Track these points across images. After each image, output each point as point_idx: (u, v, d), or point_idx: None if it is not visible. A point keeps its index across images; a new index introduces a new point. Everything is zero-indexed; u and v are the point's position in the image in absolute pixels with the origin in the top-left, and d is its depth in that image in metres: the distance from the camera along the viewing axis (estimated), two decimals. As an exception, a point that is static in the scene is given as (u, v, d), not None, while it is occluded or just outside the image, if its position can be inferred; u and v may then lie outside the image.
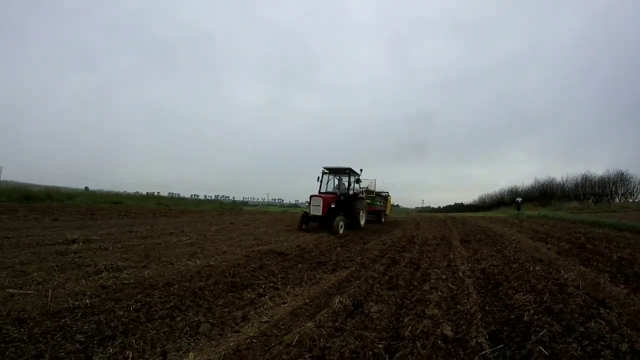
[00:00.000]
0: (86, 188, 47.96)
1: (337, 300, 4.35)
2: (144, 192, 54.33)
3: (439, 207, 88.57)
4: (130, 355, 2.95)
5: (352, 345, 3.09)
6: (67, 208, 18.19)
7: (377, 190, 22.50)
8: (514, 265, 6.80)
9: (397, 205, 59.15)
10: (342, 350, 3.00)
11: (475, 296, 4.68)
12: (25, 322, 3.49)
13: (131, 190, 57.77)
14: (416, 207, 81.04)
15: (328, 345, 3.17)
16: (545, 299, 4.45)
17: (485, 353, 3.00)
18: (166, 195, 58.93)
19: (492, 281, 5.76)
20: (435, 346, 3.08)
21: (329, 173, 16.76)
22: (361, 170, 16.94)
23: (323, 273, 6.44)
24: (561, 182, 51.58)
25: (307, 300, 4.74)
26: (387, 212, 24.02)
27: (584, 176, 49.35)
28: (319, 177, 16.48)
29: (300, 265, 7.02)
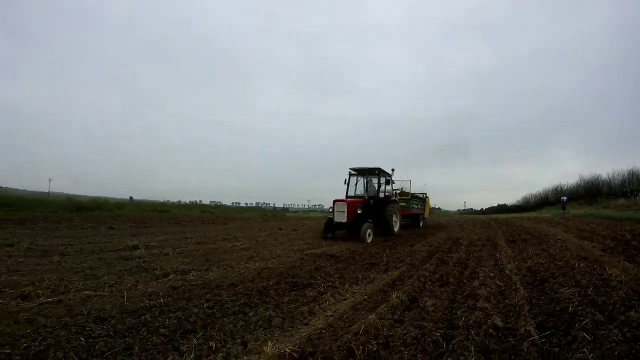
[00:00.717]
0: (131, 198, 50.15)
1: (394, 295, 4.80)
2: (186, 201, 56.04)
3: (482, 208, 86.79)
4: (214, 345, 3.41)
5: (413, 334, 3.52)
6: (118, 217, 19.24)
7: (413, 191, 20.52)
8: (559, 263, 7.02)
9: (439, 208, 58.13)
10: (404, 338, 3.44)
11: (522, 291, 5.00)
12: (106, 320, 3.91)
13: (173, 199, 59.94)
14: (458, 210, 79.80)
15: (390, 333, 3.61)
16: (589, 292, 4.74)
17: (534, 339, 3.36)
18: (208, 203, 60.76)
19: (538, 278, 6.03)
20: (487, 334, 3.47)
21: (356, 174, 15.27)
22: (393, 170, 15.31)
23: (376, 273, 6.87)
24: (607, 178, 49.45)
25: (366, 297, 5.18)
26: (426, 215, 21.89)
27: (631, 172, 47.17)
28: (345, 180, 15.07)
29: (353, 266, 7.47)
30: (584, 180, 52.74)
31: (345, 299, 5.13)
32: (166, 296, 4.87)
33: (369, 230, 12.32)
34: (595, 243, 9.83)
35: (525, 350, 3.12)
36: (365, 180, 15.49)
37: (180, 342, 3.46)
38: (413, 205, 19.39)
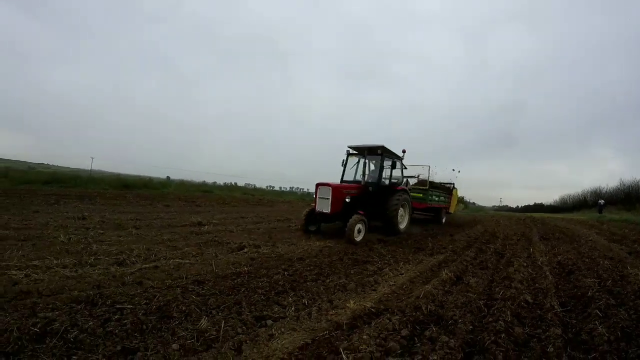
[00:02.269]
0: (168, 177, 52.45)
1: (443, 272, 5.86)
2: (222, 183, 57.61)
3: (517, 206, 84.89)
4: (306, 302, 4.43)
5: (461, 300, 4.55)
6: (167, 196, 20.62)
7: (436, 180, 17.16)
8: (586, 260, 7.83)
9: (473, 203, 57.28)
10: (455, 302, 4.46)
11: (550, 278, 5.94)
12: (204, 283, 4.67)
13: (208, 179, 61.79)
14: (493, 206, 78.61)
15: (443, 299, 4.64)
16: (607, 283, 5.61)
17: (556, 311, 4.32)
18: (243, 185, 62.43)
19: (566, 270, 6.90)
20: (519, 305, 4.46)
21: (356, 154, 11.85)
22: (404, 152, 11.93)
23: (423, 256, 7.90)
24: (647, 184, 47.89)
25: (418, 273, 6.22)
26: (451, 209, 18.53)
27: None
28: (343, 161, 11.68)
29: (401, 249, 8.51)
30: (624, 185, 51.37)
31: (402, 274, 6.17)
32: (248, 265, 5.80)
33: (358, 226, 9.09)
34: (623, 246, 10.45)
35: (549, 318, 4.08)
36: (365, 163, 12.12)
37: (278, 299, 4.37)
38: (432, 197, 15.60)
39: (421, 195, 15.10)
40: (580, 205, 59.68)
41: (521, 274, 6.05)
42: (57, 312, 3.47)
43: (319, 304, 4.41)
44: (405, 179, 13.21)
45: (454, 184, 18.92)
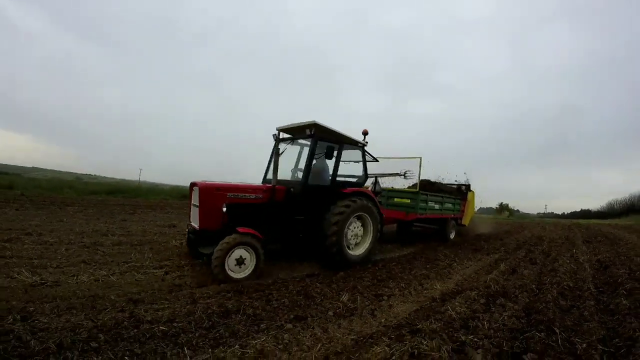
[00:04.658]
0: None
1: (501, 266, 7.44)
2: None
3: (563, 213, 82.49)
4: (403, 285, 6.01)
5: (518, 284, 6.08)
6: None
7: (433, 180, 13.13)
8: (622, 257, 9.09)
9: (517, 211, 56.99)
10: (514, 285, 6.01)
11: (589, 271, 7.37)
12: (318, 275, 6.71)
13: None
14: (538, 213, 77.20)
15: (504, 283, 6.19)
16: (636, 274, 6.98)
17: (592, 291, 5.81)
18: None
19: (603, 265, 8.21)
20: (563, 288, 5.95)
21: (291, 139, 7.75)
22: (365, 133, 7.73)
23: (481, 255, 9.43)
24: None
25: (480, 267, 7.76)
26: (465, 221, 13.54)
27: None
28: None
29: (460, 251, 10.05)
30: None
31: (467, 267, 7.72)
32: (349, 270, 6.93)
33: (238, 253, 5.49)
34: (660, 247, 11.63)
35: (586, 296, 5.55)
36: (299, 151, 8.09)
37: (382, 285, 5.84)
38: (427, 204, 10.96)
39: (408, 201, 10.73)
40: (627, 210, 58.08)
41: (564, 268, 7.48)
42: (213, 299, 4.58)
43: (413, 287, 5.96)
44: (375, 179, 9.47)
45: (469, 185, 14.04)
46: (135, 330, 3.51)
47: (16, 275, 5.06)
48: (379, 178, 10.22)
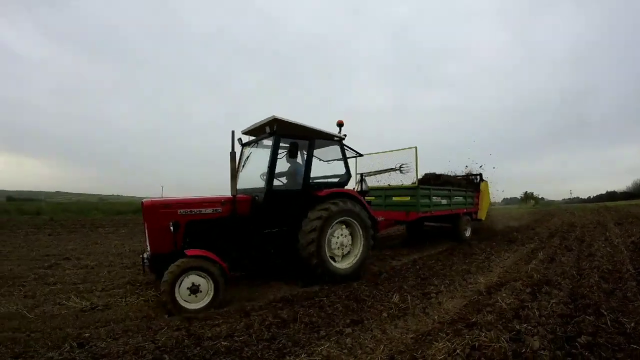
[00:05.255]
0: None
1: (539, 255, 7.65)
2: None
3: (589, 197, 79.82)
4: (448, 282, 6.20)
5: (559, 271, 6.30)
6: None
7: (446, 172, 12.54)
8: (657, 237, 9.28)
9: (542, 198, 55.30)
10: (555, 272, 6.23)
11: (625, 253, 7.52)
12: (380, 275, 6.99)
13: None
14: (563, 199, 75.38)
15: (545, 272, 6.41)
16: (672, 252, 7.17)
17: (631, 273, 6.00)
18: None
19: (638, 246, 8.42)
20: (603, 271, 6.15)
21: (253, 143, 6.85)
22: (340, 125, 6.84)
23: (517, 246, 9.63)
24: None
25: (519, 258, 7.97)
26: (481, 215, 12.28)
27: None
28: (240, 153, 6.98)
29: (495, 243, 10.25)
30: None
31: (506, 259, 7.95)
32: (390, 270, 7.19)
33: (189, 280, 4.66)
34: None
35: (627, 278, 5.74)
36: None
37: (427, 283, 6.02)
38: (432, 200, 9.83)
39: (408, 198, 9.49)
40: (656, 188, 56.66)
41: (601, 252, 7.66)
42: (265, 310, 4.68)
43: (457, 282, 6.19)
44: (360, 177, 8.22)
45: (480, 174, 12.63)
46: (198, 348, 3.55)
47: (65, 302, 5.16)
48: (365, 176, 8.97)
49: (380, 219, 8.65)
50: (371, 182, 10.22)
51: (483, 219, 12.49)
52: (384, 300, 5.11)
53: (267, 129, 6.06)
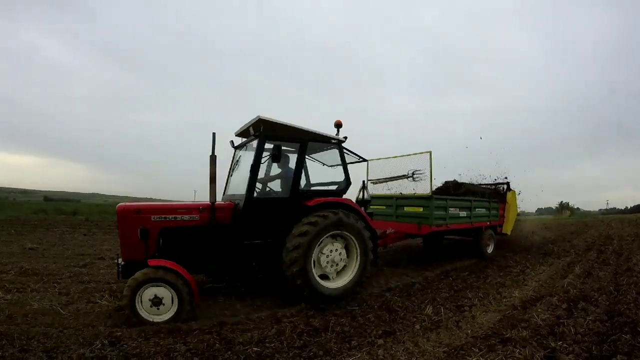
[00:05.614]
0: None
1: (576, 268, 7.56)
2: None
3: (626, 207, 76.71)
4: (482, 295, 6.20)
5: (596, 287, 6.22)
6: None
7: (462, 180, 11.21)
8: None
9: (578, 209, 53.76)
10: (592, 288, 6.17)
11: (666, 267, 7.38)
12: (413, 285, 7.02)
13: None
14: (599, 210, 72.55)
15: (582, 287, 6.34)
16: None
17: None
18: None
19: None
20: (640, 288, 6.10)
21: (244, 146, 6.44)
22: (339, 126, 6.18)
23: (552, 259, 9.49)
24: None
25: (554, 271, 7.87)
26: (507, 229, 10.98)
27: None
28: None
29: (529, 255, 10.13)
30: None
31: (542, 272, 7.88)
32: (423, 281, 7.21)
33: (151, 292, 4.38)
34: None
35: (667, 294, 5.70)
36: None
37: (461, 295, 6.03)
38: (448, 213, 8.80)
39: (421, 209, 8.46)
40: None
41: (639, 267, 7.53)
42: (297, 317, 4.73)
43: (490, 296, 6.17)
44: (362, 185, 7.39)
45: (508, 183, 11.30)
46: (229, 352, 3.57)
47: (98, 300, 5.22)
48: (375, 183, 9.12)
49: (389, 231, 8.58)
50: (382, 189, 9.64)
51: (509, 233, 11.14)
52: (417, 312, 5.11)
53: (251, 131, 5.60)
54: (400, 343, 4.05)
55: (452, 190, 10.19)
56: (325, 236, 5.52)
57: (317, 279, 5.47)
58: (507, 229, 10.91)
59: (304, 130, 5.71)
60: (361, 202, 6.94)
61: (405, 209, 8.96)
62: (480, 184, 11.54)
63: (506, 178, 11.45)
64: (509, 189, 11.12)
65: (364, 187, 7.28)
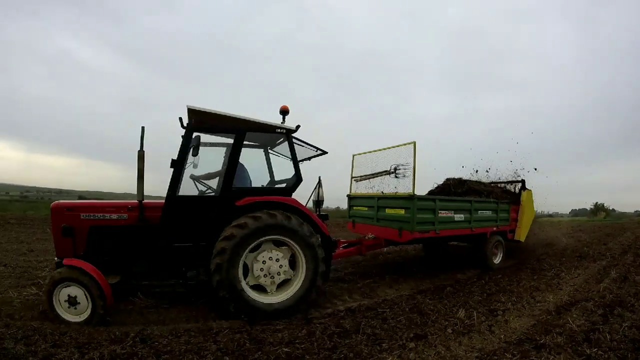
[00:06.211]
0: None
1: (612, 273, 7.42)
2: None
3: None
4: (515, 299, 6.13)
5: (632, 292, 6.11)
6: None
7: (473, 180, 9.89)
8: None
9: (613, 210, 51.93)
10: (628, 293, 6.06)
11: None
12: (442, 290, 7.10)
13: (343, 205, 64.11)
14: (635, 211, 69.64)
15: (618, 292, 6.22)
16: None
17: None
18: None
19: None
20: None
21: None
22: (284, 113, 5.51)
23: (587, 262, 9.30)
24: None
25: (590, 275, 7.72)
26: (519, 234, 9.46)
27: None
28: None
29: (564, 258, 9.94)
30: None
31: (577, 276, 7.72)
32: (455, 284, 7.21)
33: (67, 292, 4.37)
34: None
35: None
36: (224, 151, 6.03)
37: (494, 299, 5.98)
38: (446, 217, 7.58)
39: (403, 212, 7.14)
40: None
41: (682, 271, 7.30)
42: (328, 319, 4.83)
43: (524, 300, 6.12)
44: (318, 182, 6.26)
45: (523, 181, 9.76)
46: (259, 352, 3.61)
47: (131, 298, 5.13)
48: (357, 180, 8.20)
49: (369, 236, 7.77)
50: (364, 188, 8.40)
51: (522, 240, 9.46)
52: (449, 315, 5.09)
53: (181, 122, 5.02)
54: (431, 347, 4.06)
55: (453, 189, 8.88)
56: (257, 241, 4.84)
57: (249, 290, 4.83)
58: (521, 235, 9.39)
59: (240, 119, 5.08)
60: (316, 202, 6.25)
61: (387, 211, 7.59)
62: (492, 183, 10.20)
63: (518, 175, 10.10)
64: (524, 188, 9.58)
65: (318, 184, 6.21)
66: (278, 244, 4.99)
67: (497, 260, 8.75)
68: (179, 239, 4.89)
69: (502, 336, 4.50)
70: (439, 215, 7.25)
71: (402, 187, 7.14)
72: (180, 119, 4.97)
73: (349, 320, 4.72)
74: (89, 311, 4.33)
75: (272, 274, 4.92)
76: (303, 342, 3.90)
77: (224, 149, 5.94)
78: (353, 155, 8.54)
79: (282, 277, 5.00)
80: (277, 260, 4.95)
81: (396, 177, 7.25)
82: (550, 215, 23.70)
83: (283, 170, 5.96)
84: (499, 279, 7.55)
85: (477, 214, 8.07)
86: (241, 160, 5.34)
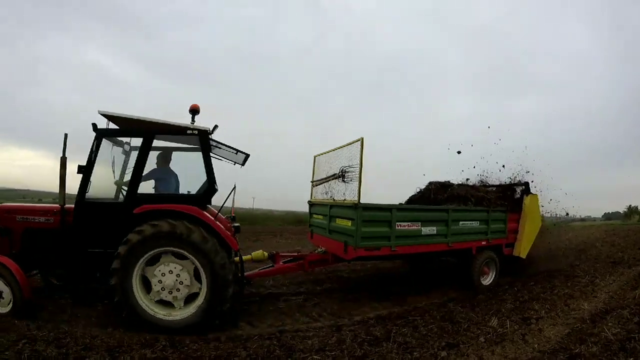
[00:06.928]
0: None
1: None
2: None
3: None
4: (549, 307, 5.93)
5: (670, 298, 5.98)
6: None
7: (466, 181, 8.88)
8: None
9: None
10: (662, 299, 5.91)
11: None
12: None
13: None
14: None
15: (655, 300, 6.09)
16: None
17: None
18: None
19: None
20: None
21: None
22: (194, 112, 5.17)
23: (622, 268, 9.01)
24: None
25: (625, 282, 7.51)
26: (519, 249, 7.85)
27: None
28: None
29: (598, 265, 9.67)
30: None
31: (612, 283, 7.53)
32: (487, 291, 7.08)
33: None
34: None
35: None
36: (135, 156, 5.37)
37: (527, 307, 5.85)
38: (412, 231, 6.30)
39: (349, 224, 5.97)
40: None
41: None
42: (358, 326, 4.88)
43: (558, 308, 5.99)
44: (233, 192, 5.33)
45: (526, 183, 8.22)
46: (289, 359, 3.63)
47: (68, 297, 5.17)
48: (316, 185, 7.35)
49: (319, 250, 7.10)
50: (320, 193, 7.34)
51: (524, 256, 7.91)
52: (481, 324, 5.01)
53: (93, 127, 4.92)
54: (464, 356, 4.02)
55: (433, 194, 7.62)
56: (154, 252, 4.57)
57: (142, 301, 4.54)
58: (522, 249, 7.83)
59: (147, 121, 4.88)
60: (231, 217, 5.87)
61: (337, 221, 6.44)
62: (486, 185, 8.70)
63: (517, 177, 8.56)
64: (527, 192, 8.04)
65: (233, 190, 5.33)
66: (181, 256, 4.64)
67: (487, 281, 7.41)
68: (91, 244, 4.80)
69: (536, 345, 4.43)
70: (397, 228, 6.05)
71: (349, 193, 6.00)
72: (94, 124, 4.88)
73: (379, 327, 4.71)
74: (11, 304, 4.52)
75: (169, 289, 4.60)
76: (333, 350, 3.89)
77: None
78: (314, 157, 7.58)
79: (185, 291, 4.66)
80: (175, 273, 4.63)
81: (344, 181, 6.17)
82: (582, 220, 22.88)
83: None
84: (531, 287, 7.39)
85: (457, 226, 6.78)
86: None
